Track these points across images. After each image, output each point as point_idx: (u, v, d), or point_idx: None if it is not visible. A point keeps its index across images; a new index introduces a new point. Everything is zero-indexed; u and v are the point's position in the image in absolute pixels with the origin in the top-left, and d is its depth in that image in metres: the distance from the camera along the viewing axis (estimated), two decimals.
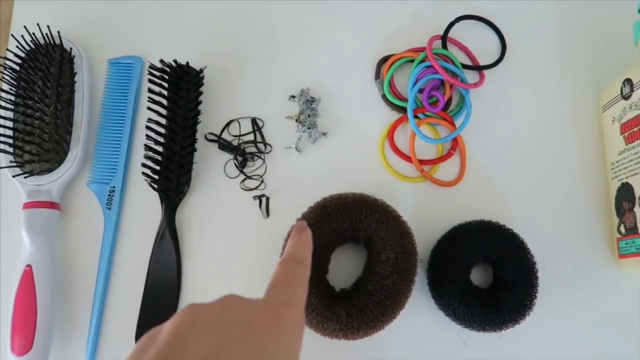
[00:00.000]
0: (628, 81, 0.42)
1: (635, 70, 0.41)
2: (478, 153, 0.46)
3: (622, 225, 0.42)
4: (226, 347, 0.23)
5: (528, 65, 0.48)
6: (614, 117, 0.44)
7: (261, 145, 0.45)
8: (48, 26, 0.45)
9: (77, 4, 0.49)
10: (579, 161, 0.46)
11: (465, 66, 0.47)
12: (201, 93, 0.45)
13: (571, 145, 0.46)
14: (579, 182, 0.46)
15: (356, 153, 0.46)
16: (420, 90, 0.46)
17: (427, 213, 0.44)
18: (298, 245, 0.34)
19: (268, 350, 0.25)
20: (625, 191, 0.42)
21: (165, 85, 0.43)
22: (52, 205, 0.42)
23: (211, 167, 0.45)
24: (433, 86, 0.46)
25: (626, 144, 0.42)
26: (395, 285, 0.39)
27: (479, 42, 0.49)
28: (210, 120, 0.46)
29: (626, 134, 0.42)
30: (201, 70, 0.45)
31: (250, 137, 0.46)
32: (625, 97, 0.42)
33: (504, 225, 0.42)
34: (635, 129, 0.41)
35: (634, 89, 0.41)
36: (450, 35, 0.48)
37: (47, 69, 0.44)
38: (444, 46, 0.47)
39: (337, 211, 0.39)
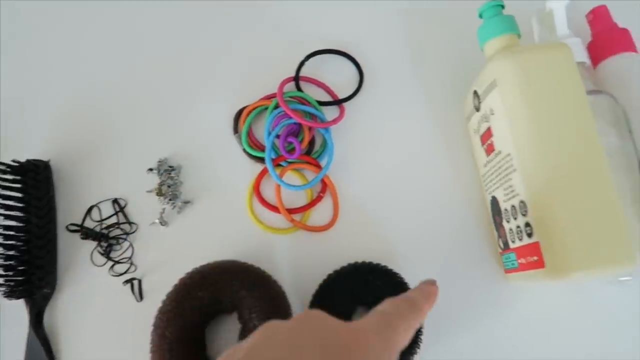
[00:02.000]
0: (475, 93, 0.41)
1: (480, 81, 0.40)
2: (351, 190, 0.45)
3: (500, 240, 0.41)
4: None
5: (389, 90, 0.47)
6: (474, 130, 0.43)
7: (126, 226, 0.44)
8: None
9: None
10: (455, 179, 0.45)
11: (323, 103, 0.46)
12: (52, 186, 0.43)
13: (445, 164, 0.45)
14: (458, 200, 0.44)
15: (226, 214, 0.44)
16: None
17: (305, 263, 0.43)
18: (422, 293, 0.30)
19: None
20: (495, 205, 0.40)
21: (11, 186, 0.42)
22: None
23: (78, 259, 0.43)
24: (290, 131, 0.44)
25: (487, 156, 0.41)
26: None
27: (337, 76, 0.48)
28: (71, 209, 0.44)
29: (484, 145, 0.41)
30: (46, 164, 0.43)
31: (115, 219, 0.44)
32: (477, 109, 0.41)
33: (379, 264, 0.40)
34: (489, 141, 0.39)
35: (481, 100, 0.40)
36: (305, 74, 0.47)
37: None
38: (298, 87, 0.46)
39: (195, 287, 0.38)
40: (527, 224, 0.35)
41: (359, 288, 0.39)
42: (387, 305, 0.28)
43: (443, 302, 0.41)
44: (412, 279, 0.41)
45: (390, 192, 0.44)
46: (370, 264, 0.40)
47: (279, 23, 0.49)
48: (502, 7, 0.41)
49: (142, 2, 0.51)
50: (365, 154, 0.45)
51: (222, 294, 0.38)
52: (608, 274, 0.35)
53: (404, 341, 0.26)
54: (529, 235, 0.35)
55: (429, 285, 0.31)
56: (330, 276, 0.40)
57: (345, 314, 0.39)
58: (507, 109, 0.36)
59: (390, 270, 0.40)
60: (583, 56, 0.41)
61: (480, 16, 0.41)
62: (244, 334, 0.38)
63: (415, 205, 0.44)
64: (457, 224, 0.43)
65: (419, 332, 0.39)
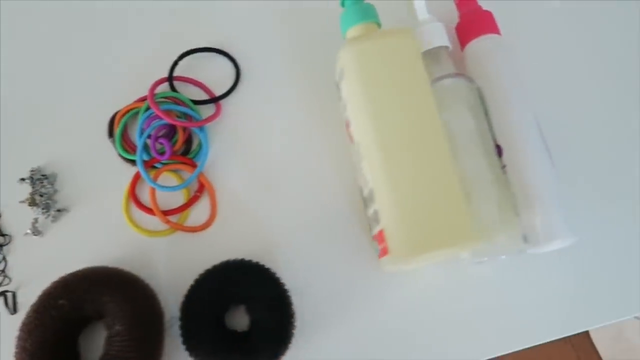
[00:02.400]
0: (336, 84, 0.40)
1: (336, 72, 0.39)
2: (230, 188, 0.44)
3: (370, 226, 0.41)
4: None
5: (267, 87, 0.47)
6: (343, 119, 0.42)
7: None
8: None
9: None
10: (332, 171, 0.44)
11: (198, 102, 0.45)
12: None
13: (322, 157, 0.45)
14: (336, 192, 0.44)
15: (103, 220, 0.43)
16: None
17: (183, 264, 0.42)
18: None
19: None
20: (361, 194, 0.40)
21: None
22: None
23: None
24: (165, 133, 0.44)
25: (351, 145, 0.40)
26: (132, 358, 0.36)
27: (215, 74, 0.47)
28: None
29: (348, 135, 0.41)
30: None
31: None
32: (340, 98, 0.41)
33: (250, 261, 0.40)
34: (349, 130, 0.39)
35: (339, 88, 0.40)
36: (182, 74, 0.46)
37: None
38: (172, 87, 0.45)
39: (57, 295, 0.37)
40: (376, 211, 0.35)
41: (229, 286, 0.39)
42: None
43: (320, 292, 0.41)
44: (290, 274, 0.41)
45: (268, 188, 0.44)
46: (241, 260, 0.40)
47: (154, 23, 0.49)
48: None
49: (9, 3, 0.50)
50: (243, 152, 0.45)
51: (84, 301, 0.37)
52: (452, 256, 0.35)
53: None
54: (378, 222, 0.35)
55: None
56: (201, 275, 0.40)
57: (218, 313, 0.39)
58: (351, 98, 0.35)
59: (262, 266, 0.40)
60: (444, 40, 0.41)
61: (342, 5, 0.41)
62: (109, 340, 0.37)
63: (294, 200, 0.44)
64: (334, 216, 0.43)
65: (290, 324, 0.39)
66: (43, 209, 0.43)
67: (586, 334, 1.10)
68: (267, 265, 0.41)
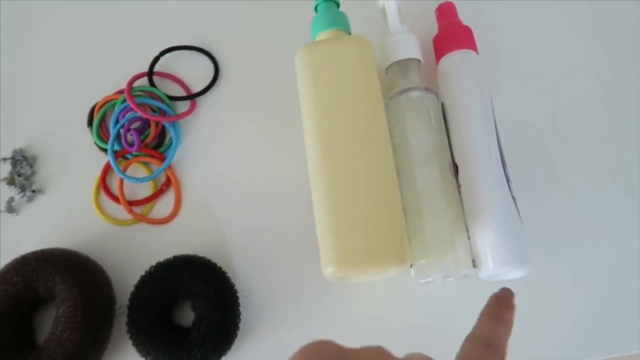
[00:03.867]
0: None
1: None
2: (197, 185, 0.45)
3: None
4: None
5: (244, 88, 0.47)
6: None
7: None
8: None
9: None
10: (298, 176, 0.44)
11: (174, 98, 0.46)
12: None
13: (291, 161, 0.44)
14: (300, 198, 0.43)
15: (74, 205, 0.45)
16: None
17: (142, 255, 0.43)
18: (504, 329, 0.27)
19: None
20: None
21: None
22: None
23: None
24: (139, 125, 0.45)
25: None
26: (76, 342, 0.37)
27: (195, 72, 0.48)
28: None
29: None
30: None
31: None
32: None
33: (196, 256, 0.41)
34: None
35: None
36: (164, 70, 0.48)
37: None
38: (151, 82, 0.47)
39: (11, 273, 0.39)
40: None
41: (176, 280, 0.39)
42: (469, 356, 0.25)
43: (270, 297, 0.41)
44: (242, 275, 0.42)
45: (233, 189, 0.44)
46: (193, 256, 0.41)
47: (142, 20, 0.50)
48: (336, 3, 0.41)
49: None
50: (213, 151, 0.46)
51: (36, 281, 0.39)
52: (389, 274, 0.34)
53: None
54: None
55: (502, 315, 0.28)
56: (152, 267, 0.41)
57: (165, 306, 0.40)
58: (301, 104, 0.35)
59: (213, 264, 0.41)
60: (415, 53, 0.40)
61: (315, 10, 0.41)
62: (55, 321, 0.38)
63: (256, 203, 0.44)
64: (293, 222, 0.43)
65: (233, 325, 0.39)
66: (20, 188, 0.45)
67: None
68: (221, 264, 0.41)
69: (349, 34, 0.40)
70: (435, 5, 0.43)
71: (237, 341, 0.40)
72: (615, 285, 0.39)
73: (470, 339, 0.26)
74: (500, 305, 0.28)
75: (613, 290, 0.39)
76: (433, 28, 0.43)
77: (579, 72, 0.45)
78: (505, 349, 0.26)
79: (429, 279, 0.36)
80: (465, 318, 0.39)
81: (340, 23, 0.39)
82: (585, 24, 0.46)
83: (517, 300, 0.28)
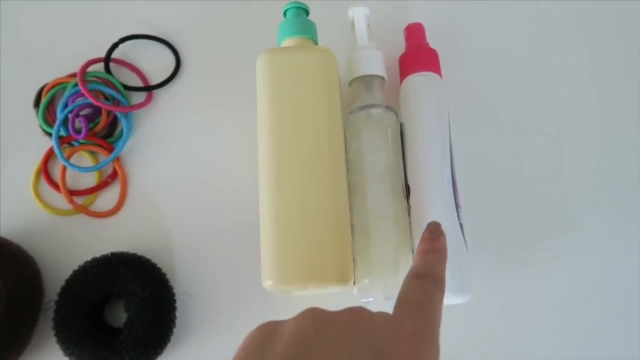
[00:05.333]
0: None
1: None
2: (146, 180, 0.43)
3: None
4: None
5: (206, 84, 0.46)
6: None
7: None
8: None
9: None
10: (249, 181, 0.43)
11: (130, 88, 0.45)
12: None
13: (244, 165, 0.43)
14: (250, 203, 0.42)
15: (10, 188, 0.43)
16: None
17: (77, 249, 0.41)
18: (433, 257, 0.29)
19: None
20: None
21: None
22: None
23: None
24: (89, 112, 0.43)
25: None
26: None
27: (156, 64, 0.46)
28: None
29: None
30: None
31: None
32: None
33: (135, 254, 0.39)
34: None
35: None
36: (121, 57, 0.46)
37: None
38: (107, 69, 0.45)
39: None
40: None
41: (110, 277, 0.38)
42: (414, 291, 0.26)
43: (209, 302, 0.40)
44: (183, 278, 0.40)
45: (182, 187, 0.43)
46: (131, 254, 0.39)
47: (106, 1, 0.48)
48: (305, 10, 0.40)
49: None
50: (166, 146, 0.44)
51: None
52: (330, 290, 0.34)
53: (440, 325, 0.25)
54: None
55: (435, 242, 0.29)
56: (86, 262, 0.39)
57: (96, 304, 0.38)
58: (258, 108, 0.34)
59: (152, 264, 0.39)
60: (379, 69, 0.40)
61: (284, 14, 0.41)
62: None
63: (204, 205, 0.43)
64: (241, 228, 0.41)
65: (166, 328, 0.38)
66: None
67: None
68: (161, 265, 0.40)
69: (316, 43, 0.39)
70: (405, 23, 0.43)
71: (169, 346, 0.38)
72: (553, 320, 0.40)
73: (414, 275, 0.27)
74: (427, 239, 0.29)
75: (550, 325, 0.40)
76: (401, 46, 0.43)
77: (539, 105, 0.45)
78: (436, 274, 0.27)
79: (370, 299, 0.35)
80: None
81: (308, 31, 0.39)
82: (553, 56, 0.47)
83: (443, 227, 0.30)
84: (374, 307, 0.38)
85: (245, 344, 0.23)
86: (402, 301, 0.26)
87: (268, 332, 0.23)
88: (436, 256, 0.29)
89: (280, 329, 0.23)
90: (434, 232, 0.30)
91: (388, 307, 0.39)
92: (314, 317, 0.23)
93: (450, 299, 0.36)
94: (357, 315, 0.24)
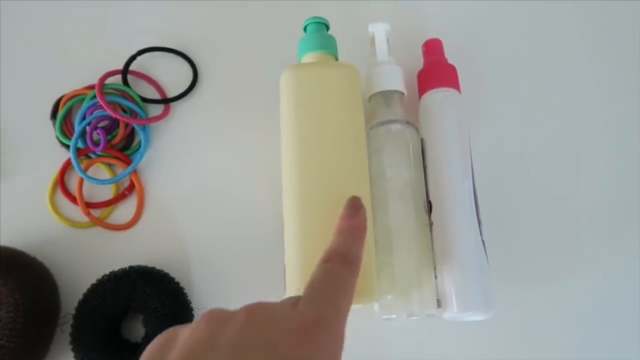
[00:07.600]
0: None
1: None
2: (163, 193, 0.43)
3: None
4: None
5: (223, 97, 0.46)
6: None
7: None
8: None
9: None
10: (269, 194, 0.43)
11: (148, 100, 0.44)
12: None
13: (262, 178, 0.43)
14: (269, 217, 0.42)
15: (27, 199, 0.43)
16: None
17: (95, 262, 0.41)
18: (347, 235, 0.27)
19: None
20: None
21: None
22: None
23: None
24: (107, 125, 0.43)
25: None
26: (11, 351, 0.35)
27: (174, 76, 0.46)
28: None
29: None
30: None
31: None
32: None
33: (154, 268, 0.39)
34: None
35: None
36: (139, 69, 0.46)
37: None
38: (125, 81, 0.45)
39: None
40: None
41: (128, 292, 0.37)
42: (320, 275, 0.26)
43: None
44: (200, 291, 0.40)
45: (200, 200, 0.43)
46: (150, 268, 0.39)
47: (124, 14, 0.48)
48: (326, 25, 0.40)
49: None
50: (183, 159, 0.44)
51: None
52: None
53: (348, 307, 0.25)
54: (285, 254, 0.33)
55: (353, 218, 0.28)
56: (104, 276, 0.38)
57: (113, 318, 0.38)
58: (282, 124, 0.34)
59: (171, 278, 0.39)
60: (399, 85, 0.40)
61: (305, 30, 0.41)
62: None
63: (222, 218, 0.42)
64: (260, 242, 0.41)
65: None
66: None
67: None
68: (179, 279, 0.39)
69: (337, 58, 0.39)
70: (424, 39, 0.44)
71: None
72: (574, 336, 0.40)
73: (325, 257, 0.27)
74: (345, 217, 0.29)
75: (571, 341, 0.40)
76: (418, 61, 0.44)
77: (557, 121, 0.45)
78: (359, 256, 0.27)
79: (393, 316, 0.35)
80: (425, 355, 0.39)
81: (329, 47, 0.39)
82: (572, 72, 0.47)
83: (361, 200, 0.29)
84: (397, 324, 0.38)
85: (145, 354, 0.23)
86: (307, 288, 0.25)
87: (166, 342, 0.23)
88: (350, 234, 0.28)
89: (177, 337, 0.23)
90: (353, 207, 0.29)
91: (411, 325, 0.39)
92: (210, 320, 0.23)
93: (474, 316, 0.35)
94: (253, 313, 0.23)
